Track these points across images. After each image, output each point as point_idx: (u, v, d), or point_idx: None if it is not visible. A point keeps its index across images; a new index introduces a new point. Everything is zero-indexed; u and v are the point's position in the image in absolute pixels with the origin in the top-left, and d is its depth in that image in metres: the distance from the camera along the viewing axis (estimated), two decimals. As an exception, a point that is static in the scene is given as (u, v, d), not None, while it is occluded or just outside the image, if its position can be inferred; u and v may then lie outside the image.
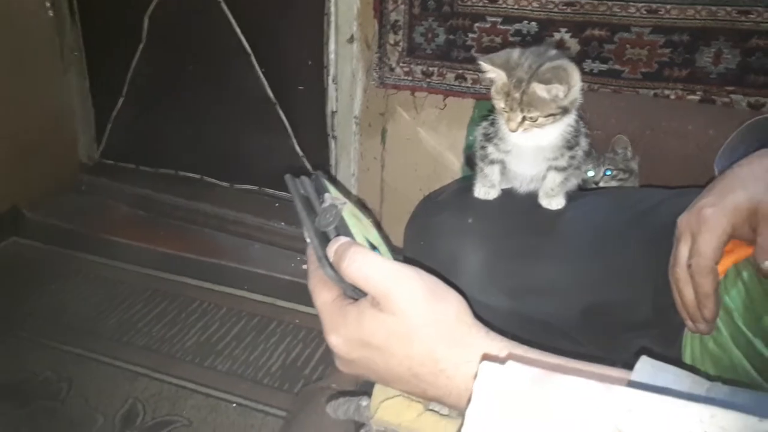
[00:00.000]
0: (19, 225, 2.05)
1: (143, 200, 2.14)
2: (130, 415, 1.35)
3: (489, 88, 1.53)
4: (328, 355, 1.54)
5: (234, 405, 1.38)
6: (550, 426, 0.30)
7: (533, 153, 0.82)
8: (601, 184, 1.05)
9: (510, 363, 0.33)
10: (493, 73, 0.79)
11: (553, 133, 0.80)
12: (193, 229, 2.05)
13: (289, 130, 1.92)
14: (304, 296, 1.66)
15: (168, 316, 1.66)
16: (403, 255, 0.85)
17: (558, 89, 0.75)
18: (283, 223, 1.96)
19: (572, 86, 0.76)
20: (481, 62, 0.80)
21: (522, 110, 0.76)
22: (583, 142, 0.85)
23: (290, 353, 1.54)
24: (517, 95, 0.76)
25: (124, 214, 2.14)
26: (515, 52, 0.79)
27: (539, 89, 0.75)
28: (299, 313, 1.67)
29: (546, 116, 0.76)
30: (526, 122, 0.77)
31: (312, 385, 1.08)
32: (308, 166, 1.93)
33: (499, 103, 0.79)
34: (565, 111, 0.78)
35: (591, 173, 1.04)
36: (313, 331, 1.60)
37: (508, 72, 0.77)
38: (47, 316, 1.66)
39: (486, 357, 0.39)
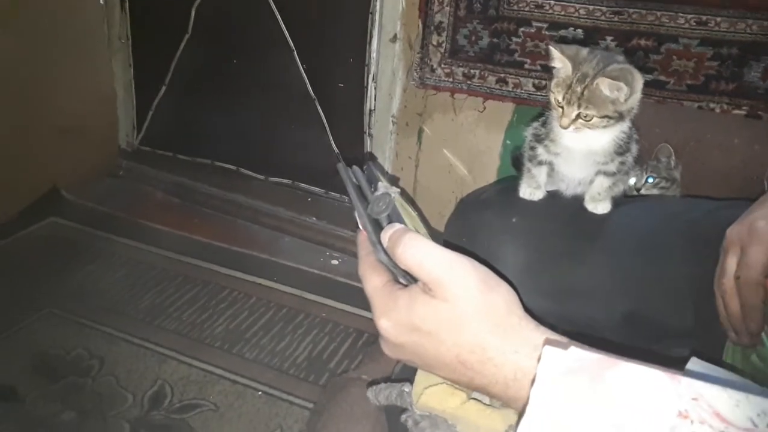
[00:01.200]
0: (58, 206, 2.09)
1: (179, 188, 2.18)
2: (158, 396, 1.37)
3: (530, 94, 1.53)
4: (354, 349, 1.56)
5: (260, 393, 1.39)
6: (614, 410, 0.30)
7: (584, 157, 0.81)
8: (643, 192, 1.04)
9: (573, 348, 0.34)
10: (560, 62, 0.78)
11: (605, 138, 0.79)
12: (227, 218, 2.07)
13: (326, 126, 1.94)
14: (333, 290, 1.67)
15: (198, 303, 1.68)
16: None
17: (622, 89, 0.74)
18: (314, 218, 1.98)
19: (634, 92, 0.76)
20: (551, 48, 0.79)
21: (579, 106, 0.76)
22: (634, 149, 0.84)
23: (316, 346, 1.55)
24: (578, 89, 0.75)
25: (160, 201, 2.17)
26: (584, 49, 0.79)
27: (604, 84, 0.74)
28: (326, 307, 1.68)
29: (601, 117, 0.76)
30: (580, 120, 0.76)
31: (342, 376, 1.09)
32: (344, 163, 1.94)
33: (558, 96, 0.78)
34: (620, 117, 0.77)
35: (633, 180, 1.03)
36: (339, 326, 1.61)
37: (574, 64, 0.76)
38: (81, 295, 1.68)
39: (548, 342, 0.40)
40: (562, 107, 0.77)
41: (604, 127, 0.77)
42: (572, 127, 0.77)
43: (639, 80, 0.77)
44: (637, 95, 0.77)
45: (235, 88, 2.06)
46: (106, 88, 2.23)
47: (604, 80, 0.74)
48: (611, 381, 0.31)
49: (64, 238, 1.96)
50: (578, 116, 0.76)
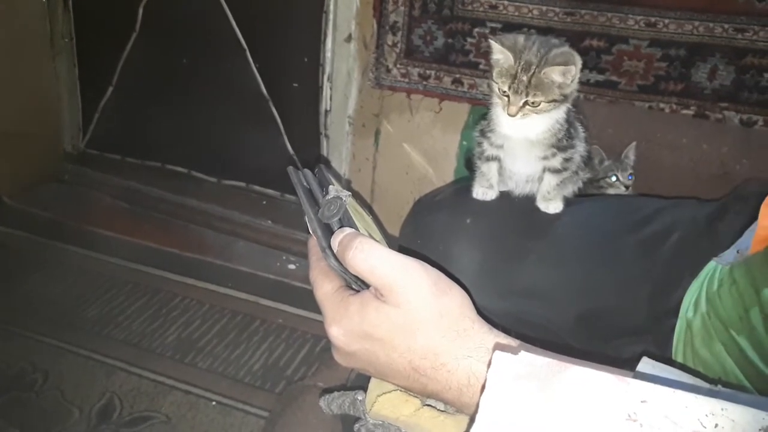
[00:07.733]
0: (0, 213, 2.00)
1: (128, 192, 2.11)
2: (106, 410, 1.32)
3: (486, 94, 1.53)
4: (311, 355, 1.53)
5: (214, 403, 1.36)
6: (564, 414, 0.30)
7: (524, 148, 0.82)
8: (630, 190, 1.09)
9: (523, 353, 0.33)
10: (501, 54, 0.79)
11: (540, 126, 0.80)
12: (178, 223, 2.01)
13: (281, 127, 1.91)
14: (289, 296, 1.63)
15: (149, 311, 1.63)
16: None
17: (571, 71, 0.76)
18: (269, 222, 1.94)
19: (578, 72, 0.78)
20: (491, 41, 0.80)
21: (527, 94, 0.77)
22: (581, 147, 0.85)
23: (272, 353, 1.52)
24: (525, 78, 0.76)
25: (107, 206, 2.10)
26: (521, 37, 0.80)
27: (555, 72, 0.75)
28: (283, 313, 1.65)
29: (549, 101, 0.77)
30: (527, 107, 0.77)
31: (297, 383, 1.06)
32: (299, 164, 1.92)
33: (503, 87, 0.78)
34: (564, 99, 0.78)
35: (613, 178, 1.06)
36: (296, 331, 1.59)
37: (515, 54, 0.77)
38: (25, 306, 1.62)
39: (498, 346, 0.39)
40: (508, 96, 0.78)
41: (551, 110, 0.79)
42: (520, 115, 0.78)
43: (578, 61, 0.78)
44: (578, 75, 0.79)
45: (185, 88, 2.01)
46: (49, 89, 2.15)
47: (554, 68, 0.75)
48: (561, 385, 0.31)
49: (6, 247, 1.88)
50: (525, 103, 0.77)
